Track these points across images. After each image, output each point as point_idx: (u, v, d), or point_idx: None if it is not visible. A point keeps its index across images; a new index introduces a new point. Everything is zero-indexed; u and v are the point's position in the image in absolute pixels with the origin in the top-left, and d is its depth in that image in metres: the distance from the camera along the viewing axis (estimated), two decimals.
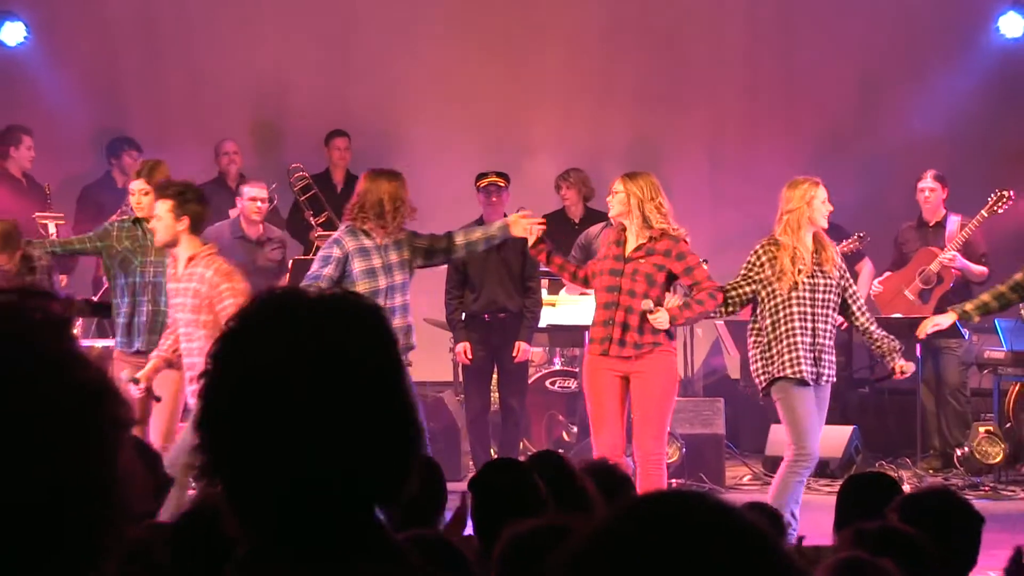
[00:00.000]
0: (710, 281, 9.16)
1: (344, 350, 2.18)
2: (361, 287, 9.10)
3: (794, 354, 8.67)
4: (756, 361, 8.86)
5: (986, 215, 11.40)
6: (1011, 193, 11.38)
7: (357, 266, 9.17)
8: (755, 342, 8.86)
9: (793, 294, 8.69)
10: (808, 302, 8.71)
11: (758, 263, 8.81)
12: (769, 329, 8.76)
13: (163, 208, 8.84)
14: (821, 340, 8.74)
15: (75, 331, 2.05)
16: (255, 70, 13.53)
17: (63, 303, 1.73)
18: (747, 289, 8.86)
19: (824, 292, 8.80)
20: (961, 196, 11.75)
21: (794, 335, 8.66)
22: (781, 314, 8.71)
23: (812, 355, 8.72)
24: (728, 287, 8.89)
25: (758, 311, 8.86)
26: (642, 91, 13.68)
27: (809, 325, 8.71)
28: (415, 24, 13.63)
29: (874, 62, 13.38)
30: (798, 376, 8.69)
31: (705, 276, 9.24)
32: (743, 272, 8.89)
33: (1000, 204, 11.37)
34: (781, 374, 8.68)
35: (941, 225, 11.80)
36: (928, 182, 11.85)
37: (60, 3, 13.28)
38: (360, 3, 13.67)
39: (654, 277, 9.24)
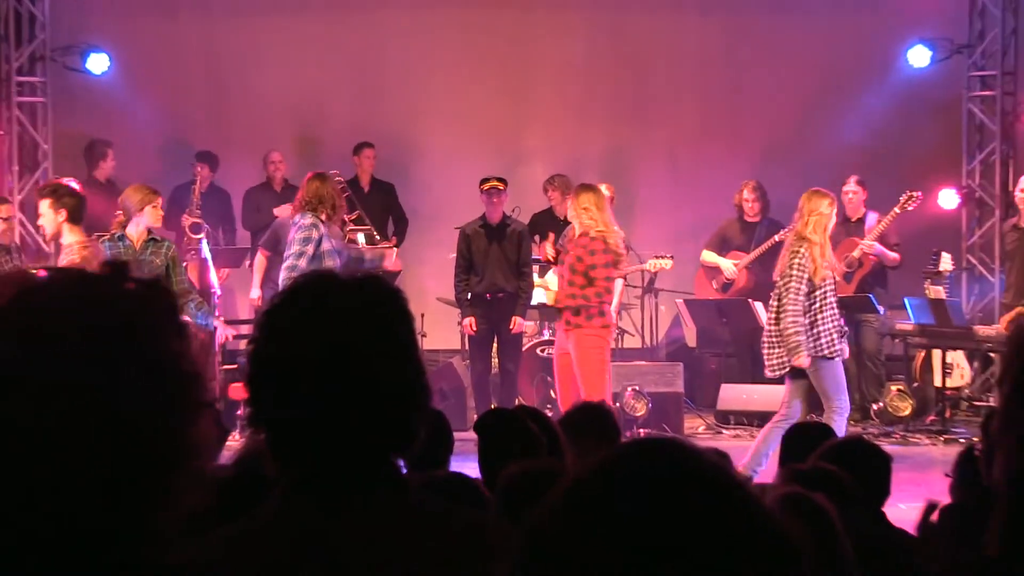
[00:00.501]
0: (605, 282, 9.20)
1: (371, 323, 2.17)
2: (328, 263, 9.11)
3: (830, 336, 8.71)
4: (799, 335, 8.66)
5: (898, 211, 11.45)
6: (918, 194, 11.43)
7: (324, 246, 9.18)
8: (792, 321, 8.66)
9: (827, 284, 8.71)
10: (832, 290, 8.77)
11: (804, 259, 8.70)
12: (809, 314, 8.69)
13: (44, 206, 8.68)
14: (839, 321, 8.83)
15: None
16: (298, 93, 13.45)
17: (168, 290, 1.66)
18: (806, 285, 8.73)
19: (834, 281, 8.85)
20: (878, 196, 11.77)
21: (827, 320, 8.69)
22: (818, 303, 8.69)
23: (839, 334, 8.81)
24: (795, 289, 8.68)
25: (789, 299, 8.70)
26: (614, 111, 13.60)
27: (837, 310, 8.80)
28: (431, 56, 13.54)
29: (808, 86, 13.30)
30: (835, 356, 8.78)
31: (602, 277, 9.26)
32: (800, 272, 8.67)
33: (909, 202, 11.42)
34: (821, 353, 8.71)
35: (862, 221, 11.81)
36: (851, 185, 11.89)
37: (136, 38, 13.10)
38: (385, 39, 13.51)
39: (575, 267, 9.37)
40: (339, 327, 2.14)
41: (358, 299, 2.19)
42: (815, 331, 8.72)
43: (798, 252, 8.72)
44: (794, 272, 8.68)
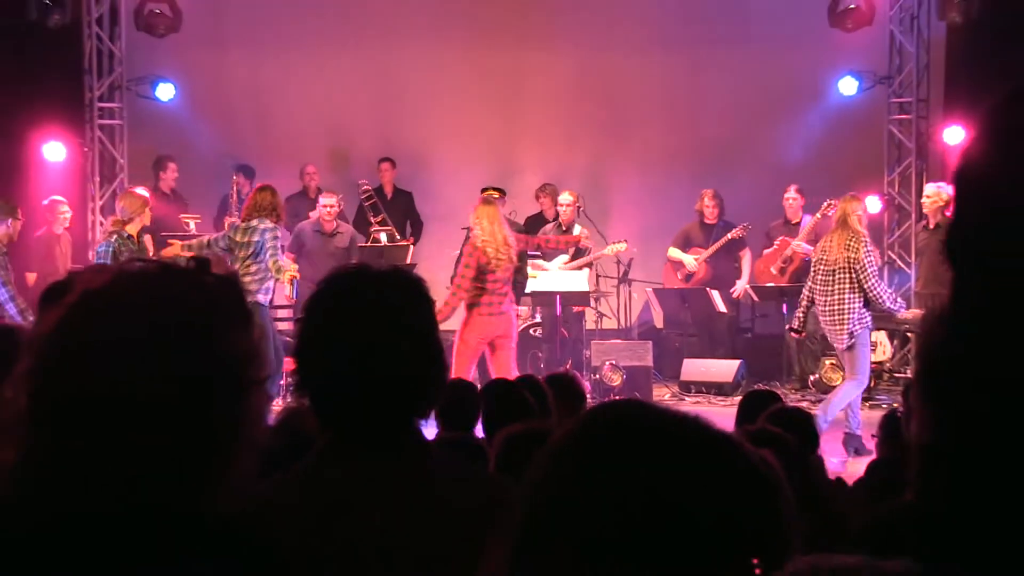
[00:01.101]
0: (460, 279, 9.18)
1: (400, 307, 2.18)
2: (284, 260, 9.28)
3: (866, 313, 8.71)
4: (852, 314, 8.65)
5: (819, 217, 11.38)
6: (835, 202, 11.42)
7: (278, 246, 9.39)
8: (850, 306, 8.66)
9: (870, 270, 8.66)
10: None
11: (868, 248, 8.69)
12: (857, 296, 8.63)
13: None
14: None
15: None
16: (329, 115, 13.42)
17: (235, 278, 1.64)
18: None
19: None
20: (814, 202, 11.72)
21: (863, 300, 8.67)
22: (860, 285, 8.63)
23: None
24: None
25: (846, 282, 8.67)
26: (593, 131, 13.58)
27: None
28: (441, 86, 13.52)
29: (756, 109, 13.25)
30: (870, 327, 8.84)
31: (459, 275, 9.30)
32: (869, 259, 8.66)
33: (827, 209, 11.26)
34: (864, 327, 8.71)
35: (799, 223, 11.82)
36: (792, 193, 11.91)
37: (196, 70, 13.09)
38: (404, 71, 13.46)
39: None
40: (371, 311, 2.15)
41: (387, 287, 2.19)
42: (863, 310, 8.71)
43: (857, 245, 8.69)
44: (867, 260, 8.64)
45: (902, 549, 0.85)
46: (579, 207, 12.08)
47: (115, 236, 9.28)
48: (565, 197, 11.82)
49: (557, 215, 11.96)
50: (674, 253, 12.32)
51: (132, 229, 9.37)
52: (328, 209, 11.38)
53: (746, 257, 12.22)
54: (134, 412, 1.43)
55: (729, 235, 11.96)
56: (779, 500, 1.31)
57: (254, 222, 9.40)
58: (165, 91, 12.69)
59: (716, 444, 1.28)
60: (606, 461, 1.27)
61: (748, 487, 1.27)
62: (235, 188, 12.16)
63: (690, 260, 12.18)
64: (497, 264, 9.10)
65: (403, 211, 12.57)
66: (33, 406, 1.44)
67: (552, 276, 11.48)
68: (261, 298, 9.33)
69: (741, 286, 12.05)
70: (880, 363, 11.46)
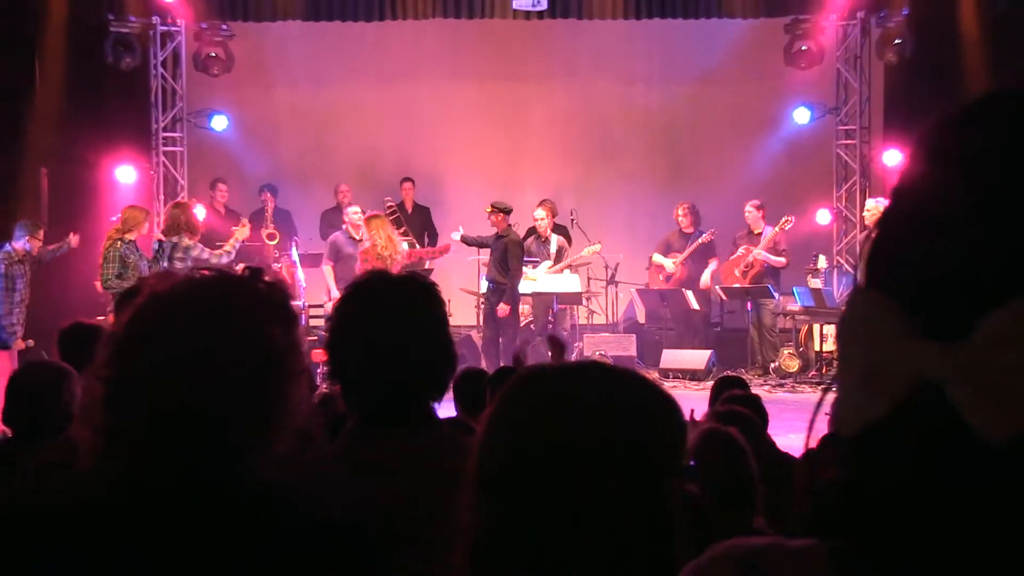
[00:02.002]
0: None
1: (419, 306, 2.17)
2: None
3: None
4: None
5: (777, 230, 11.43)
6: (792, 217, 11.48)
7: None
8: None
9: None
10: None
11: None
12: None
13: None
14: None
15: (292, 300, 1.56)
16: (359, 141, 13.41)
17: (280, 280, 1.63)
18: None
19: None
20: (773, 214, 11.72)
21: None
22: None
23: None
24: None
25: None
26: (585, 153, 13.58)
27: None
28: (453, 116, 13.49)
29: (725, 134, 13.24)
30: None
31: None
32: None
33: (785, 224, 11.43)
34: None
35: (760, 234, 11.75)
36: (750, 207, 11.84)
37: (245, 104, 13.09)
38: (421, 103, 13.45)
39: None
40: (392, 310, 2.15)
41: (404, 292, 2.19)
42: None
43: None
44: None
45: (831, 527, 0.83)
46: (572, 219, 12.11)
47: (119, 242, 9.21)
48: (539, 212, 11.65)
49: (534, 229, 11.80)
50: (657, 258, 12.33)
51: (131, 236, 9.28)
52: (356, 218, 11.31)
53: (712, 265, 12.17)
54: (193, 395, 1.43)
55: (700, 240, 11.99)
56: (666, 425, 1.35)
57: (175, 239, 9.36)
58: (219, 122, 12.73)
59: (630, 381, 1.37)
60: (508, 411, 1.36)
61: (634, 413, 1.33)
62: (269, 205, 12.24)
63: (669, 264, 12.20)
64: (391, 266, 9.26)
65: (422, 223, 12.58)
66: (107, 391, 1.46)
67: (548, 280, 11.45)
68: None
69: (704, 280, 12.05)
70: (831, 352, 11.45)
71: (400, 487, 2.07)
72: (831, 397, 0.77)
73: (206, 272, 1.55)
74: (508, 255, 10.99)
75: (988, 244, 0.70)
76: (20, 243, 9.34)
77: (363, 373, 2.14)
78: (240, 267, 1.67)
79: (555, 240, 11.62)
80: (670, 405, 1.38)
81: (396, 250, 9.95)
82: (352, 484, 2.07)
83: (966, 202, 0.71)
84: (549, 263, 11.55)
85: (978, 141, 0.73)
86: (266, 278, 1.57)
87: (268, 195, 12.38)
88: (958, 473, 0.70)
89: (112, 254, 9.20)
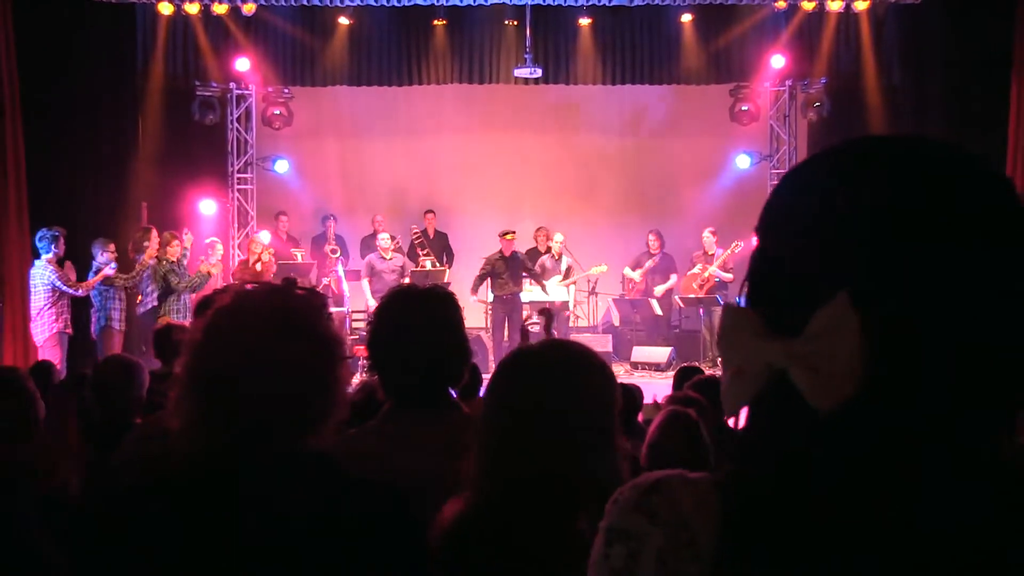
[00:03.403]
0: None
1: (440, 312, 2.16)
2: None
3: None
4: None
5: (729, 252, 11.48)
6: (741, 242, 11.44)
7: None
8: None
9: None
10: None
11: None
12: None
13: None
14: None
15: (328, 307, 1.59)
16: (392, 179, 13.39)
17: (315, 290, 1.63)
18: None
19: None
20: (725, 239, 11.72)
21: None
22: None
23: None
24: None
25: None
26: (574, 190, 13.54)
27: None
28: (467, 158, 13.48)
29: (685, 176, 13.25)
30: None
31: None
32: None
33: (734, 248, 11.44)
34: None
35: (714, 254, 11.75)
36: (707, 233, 11.82)
37: (302, 151, 13.10)
38: (442, 149, 13.43)
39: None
40: (419, 315, 2.14)
41: (429, 300, 2.18)
42: None
43: None
44: None
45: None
46: (562, 243, 12.12)
47: (164, 261, 9.12)
48: (557, 236, 11.86)
49: (549, 249, 11.90)
50: (627, 272, 12.36)
51: (148, 254, 9.09)
52: (384, 243, 11.41)
53: (672, 278, 12.18)
54: (259, 383, 1.43)
55: (650, 264, 12.05)
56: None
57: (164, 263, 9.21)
58: (281, 166, 12.73)
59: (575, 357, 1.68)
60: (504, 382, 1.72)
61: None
62: (331, 228, 12.20)
63: (636, 275, 12.24)
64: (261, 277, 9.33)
65: (441, 247, 12.58)
66: (189, 386, 1.46)
67: (547, 289, 11.47)
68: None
69: (662, 289, 12.05)
70: None
71: (425, 456, 2.04)
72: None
73: (261, 284, 1.56)
74: (523, 267, 11.12)
75: (811, 255, 0.74)
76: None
77: (397, 365, 2.13)
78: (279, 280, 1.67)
79: (566, 260, 11.68)
80: (604, 367, 1.70)
81: (268, 267, 9.81)
82: (387, 454, 2.05)
83: (794, 227, 0.76)
84: (559, 277, 11.60)
85: (805, 191, 0.79)
86: (301, 286, 1.59)
87: (331, 222, 12.35)
88: (797, 435, 0.74)
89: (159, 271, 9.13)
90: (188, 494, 1.42)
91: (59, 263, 8.80)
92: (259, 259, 10.10)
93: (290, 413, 1.45)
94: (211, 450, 1.43)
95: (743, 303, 0.79)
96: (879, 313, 0.70)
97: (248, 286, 1.55)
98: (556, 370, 1.65)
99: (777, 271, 0.76)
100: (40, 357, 8.27)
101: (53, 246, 8.67)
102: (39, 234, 8.68)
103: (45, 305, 8.66)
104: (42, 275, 8.66)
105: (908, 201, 0.71)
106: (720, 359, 0.79)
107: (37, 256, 8.74)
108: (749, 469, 0.77)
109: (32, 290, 8.71)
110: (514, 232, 11.28)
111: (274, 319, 1.47)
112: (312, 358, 1.47)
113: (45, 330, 8.65)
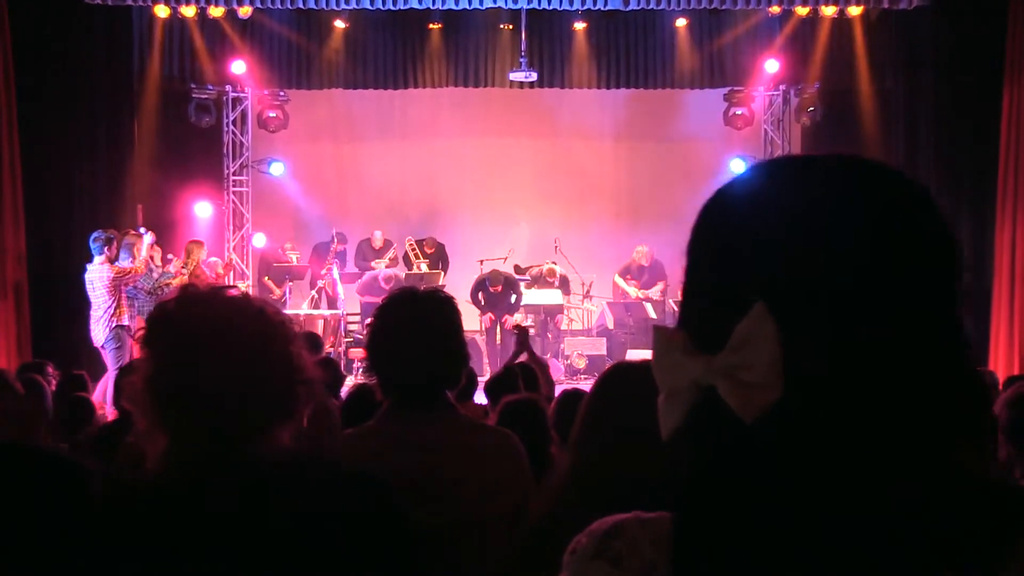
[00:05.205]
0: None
1: (441, 315, 2.15)
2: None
3: None
4: None
5: None
6: None
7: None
8: None
9: None
10: None
11: None
12: None
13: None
14: None
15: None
16: (388, 188, 13.38)
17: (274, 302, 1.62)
18: None
19: None
20: None
21: None
22: None
23: None
24: None
25: None
26: (564, 199, 13.54)
27: None
28: (461, 165, 13.48)
29: (678, 184, 12.97)
30: None
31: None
32: None
33: None
34: None
35: None
36: None
37: (299, 155, 13.08)
38: (439, 159, 13.44)
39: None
40: (418, 319, 2.14)
41: (429, 303, 2.18)
42: None
43: None
44: None
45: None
46: (556, 247, 12.17)
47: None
48: (548, 265, 11.96)
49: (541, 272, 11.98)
50: (618, 280, 12.39)
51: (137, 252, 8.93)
52: (382, 269, 11.50)
53: (660, 285, 12.21)
54: (228, 393, 1.41)
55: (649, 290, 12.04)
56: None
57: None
58: (277, 168, 12.72)
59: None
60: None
61: None
62: (336, 242, 12.06)
63: (632, 290, 12.23)
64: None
65: (438, 255, 12.58)
66: (156, 403, 1.43)
67: (535, 294, 11.57)
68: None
69: (656, 292, 12.10)
70: None
71: (421, 455, 2.07)
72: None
73: (197, 292, 1.53)
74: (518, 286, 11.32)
75: (731, 270, 0.76)
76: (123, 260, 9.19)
77: (395, 367, 2.13)
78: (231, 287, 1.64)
79: (559, 271, 11.81)
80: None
81: (203, 273, 9.75)
82: (385, 452, 2.07)
83: (714, 245, 0.79)
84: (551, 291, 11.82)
85: (723, 211, 0.81)
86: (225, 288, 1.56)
87: (339, 241, 12.09)
88: (728, 448, 0.74)
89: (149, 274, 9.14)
90: (168, 502, 1.41)
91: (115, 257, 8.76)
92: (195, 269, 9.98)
93: (254, 420, 1.43)
94: (186, 457, 1.43)
95: (674, 327, 0.79)
96: (795, 322, 0.71)
97: (186, 295, 1.52)
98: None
99: (701, 290, 0.78)
100: (107, 362, 8.36)
101: (106, 248, 8.66)
102: (92, 236, 8.68)
103: (111, 304, 8.58)
104: (100, 275, 8.61)
105: (819, 212, 0.74)
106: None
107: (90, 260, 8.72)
108: (688, 494, 0.77)
109: (91, 291, 8.62)
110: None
111: (228, 322, 1.45)
112: (271, 349, 1.45)
113: (105, 329, 8.56)
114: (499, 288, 11.24)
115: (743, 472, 0.74)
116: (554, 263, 11.99)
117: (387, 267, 11.57)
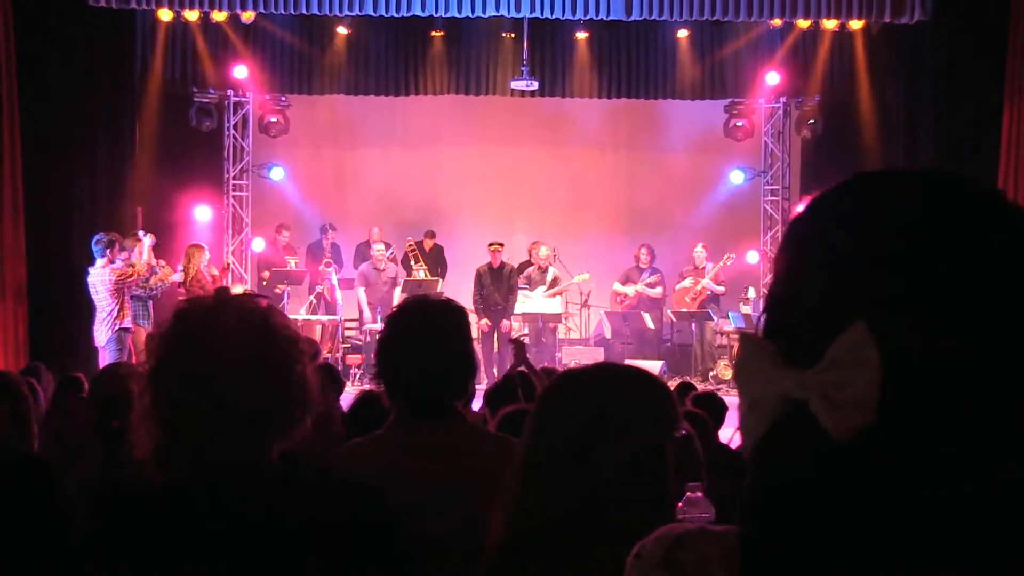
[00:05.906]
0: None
1: (452, 324, 2.16)
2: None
3: None
4: None
5: (721, 265, 11.54)
6: (733, 255, 11.61)
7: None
8: None
9: None
10: None
11: None
12: None
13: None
14: None
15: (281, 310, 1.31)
16: (388, 191, 13.38)
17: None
18: None
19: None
20: (717, 253, 11.80)
21: None
22: None
23: None
24: None
25: None
26: (564, 204, 13.54)
27: None
28: (462, 170, 13.49)
29: (677, 191, 13.28)
30: None
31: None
32: None
33: (727, 260, 11.54)
34: None
35: (704, 268, 11.81)
36: (699, 248, 11.91)
37: (298, 159, 13.09)
38: (439, 164, 13.47)
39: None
40: (428, 326, 2.14)
41: (440, 311, 2.18)
42: None
43: None
44: None
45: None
46: (555, 255, 12.16)
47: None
48: (543, 251, 11.82)
49: (536, 260, 11.96)
50: (617, 287, 12.37)
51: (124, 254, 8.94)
52: (378, 254, 11.44)
53: (658, 289, 12.18)
54: (231, 391, 1.41)
55: (649, 279, 12.02)
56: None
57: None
58: (277, 173, 12.72)
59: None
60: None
61: None
62: (329, 237, 12.16)
63: (629, 290, 12.21)
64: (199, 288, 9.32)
65: (436, 259, 12.59)
66: (164, 400, 1.43)
67: (535, 301, 11.47)
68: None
69: (658, 291, 12.07)
70: None
71: (432, 463, 2.07)
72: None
73: (204, 297, 1.53)
74: (510, 280, 11.12)
75: (829, 284, 0.73)
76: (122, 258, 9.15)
77: (404, 375, 2.13)
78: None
79: (552, 271, 11.71)
80: (665, 389, 1.61)
81: (204, 278, 9.79)
82: (388, 461, 2.07)
83: (812, 256, 0.75)
84: (544, 288, 11.62)
85: (824, 220, 0.77)
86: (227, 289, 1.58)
87: (329, 232, 12.18)
88: (810, 466, 0.72)
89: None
90: (165, 507, 1.41)
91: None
92: (195, 274, 9.95)
93: (262, 419, 1.43)
94: (183, 462, 1.42)
95: (760, 335, 0.76)
96: (896, 342, 0.69)
97: (192, 299, 1.53)
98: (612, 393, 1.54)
99: (794, 301, 0.75)
100: (103, 361, 8.23)
101: (107, 251, 8.65)
102: (94, 238, 8.68)
103: (114, 307, 8.57)
104: (102, 279, 8.59)
105: (929, 232, 0.71)
106: (737, 390, 0.78)
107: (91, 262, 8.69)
108: (763, 511, 0.74)
109: (94, 295, 8.60)
110: (502, 244, 11.30)
111: (238, 327, 1.44)
112: (281, 359, 1.45)
113: (108, 331, 8.54)
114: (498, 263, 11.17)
115: (826, 494, 0.71)
116: (553, 249, 11.99)
117: (386, 265, 11.58)
